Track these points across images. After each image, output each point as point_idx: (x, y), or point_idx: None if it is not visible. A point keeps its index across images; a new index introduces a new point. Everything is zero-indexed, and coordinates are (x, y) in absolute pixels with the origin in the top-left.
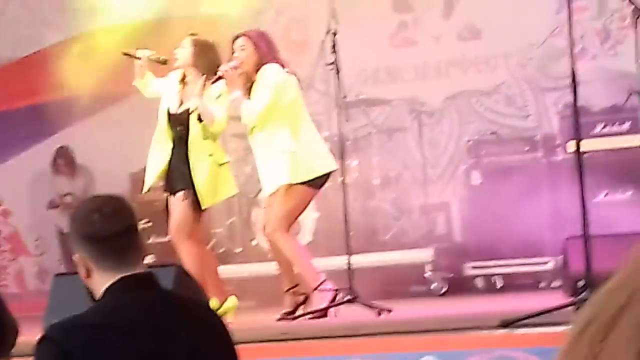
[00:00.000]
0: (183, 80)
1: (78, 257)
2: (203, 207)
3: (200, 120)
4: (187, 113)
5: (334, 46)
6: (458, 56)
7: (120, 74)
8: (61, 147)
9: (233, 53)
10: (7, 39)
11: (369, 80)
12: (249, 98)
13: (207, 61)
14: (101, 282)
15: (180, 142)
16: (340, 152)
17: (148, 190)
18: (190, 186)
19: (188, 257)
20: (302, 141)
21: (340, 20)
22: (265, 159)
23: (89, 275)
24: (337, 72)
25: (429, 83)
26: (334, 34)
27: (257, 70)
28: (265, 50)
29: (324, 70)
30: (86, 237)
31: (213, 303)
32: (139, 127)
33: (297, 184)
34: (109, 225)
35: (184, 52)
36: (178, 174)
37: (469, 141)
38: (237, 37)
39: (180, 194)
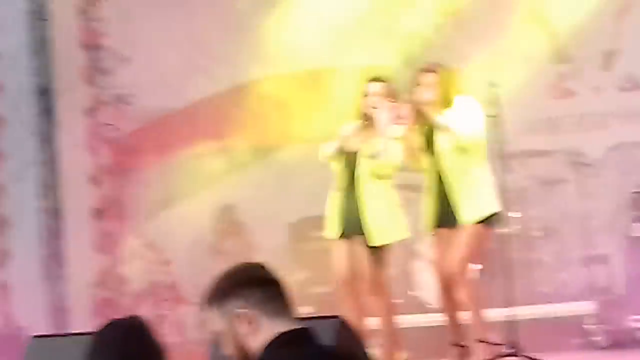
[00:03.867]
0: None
1: (240, 312)
2: (370, 245)
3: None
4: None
5: (495, 98)
6: (618, 107)
7: (277, 122)
8: (226, 207)
9: (417, 84)
10: (167, 90)
11: (529, 131)
12: None
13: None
14: (265, 332)
15: (355, 184)
16: (502, 204)
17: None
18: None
19: (384, 309)
20: (488, 177)
21: (499, 71)
22: (464, 188)
23: (252, 330)
24: (499, 124)
25: (589, 134)
26: (495, 86)
27: (444, 106)
28: (452, 87)
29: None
30: (253, 281)
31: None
32: (297, 176)
33: (478, 223)
34: (271, 274)
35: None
36: (358, 217)
37: (634, 192)
38: (424, 71)
39: (362, 238)
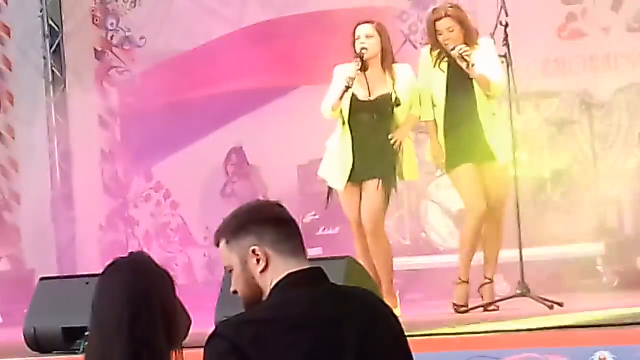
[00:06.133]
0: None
1: (254, 248)
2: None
3: (397, 104)
4: (384, 98)
5: (505, 38)
6: (627, 48)
7: (288, 65)
8: (234, 148)
9: (438, 34)
10: (176, 31)
11: (538, 72)
12: None
13: (390, 45)
14: (279, 270)
15: (371, 129)
16: (512, 145)
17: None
18: (387, 173)
19: (385, 248)
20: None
21: (509, 11)
22: (493, 131)
23: (265, 267)
24: (509, 64)
25: (598, 75)
26: (506, 26)
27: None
28: (471, 29)
29: None
30: (268, 219)
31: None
32: (306, 118)
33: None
34: (286, 213)
35: (373, 40)
36: (371, 161)
37: None
38: (438, 19)
39: (374, 181)
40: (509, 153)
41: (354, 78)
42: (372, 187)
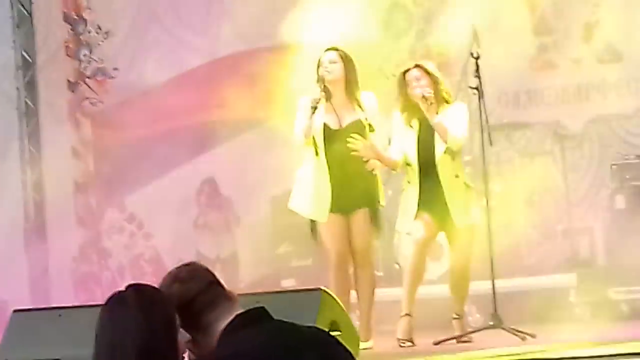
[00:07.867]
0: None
1: (186, 340)
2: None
3: (372, 131)
4: (354, 125)
5: (477, 70)
6: (598, 79)
7: (261, 97)
8: (207, 179)
9: (408, 86)
10: (150, 62)
11: (510, 103)
12: None
13: (355, 73)
14: (209, 342)
15: (348, 158)
16: (484, 176)
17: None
18: (373, 202)
19: (372, 279)
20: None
21: (481, 43)
22: (455, 192)
23: (197, 349)
24: (481, 96)
25: (570, 106)
26: (477, 58)
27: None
28: (439, 80)
29: (466, 94)
30: (177, 310)
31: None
32: (279, 150)
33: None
34: (189, 288)
35: (337, 66)
36: (355, 191)
37: (613, 165)
38: (407, 70)
39: (363, 211)
40: (469, 218)
41: (319, 100)
42: (361, 217)
